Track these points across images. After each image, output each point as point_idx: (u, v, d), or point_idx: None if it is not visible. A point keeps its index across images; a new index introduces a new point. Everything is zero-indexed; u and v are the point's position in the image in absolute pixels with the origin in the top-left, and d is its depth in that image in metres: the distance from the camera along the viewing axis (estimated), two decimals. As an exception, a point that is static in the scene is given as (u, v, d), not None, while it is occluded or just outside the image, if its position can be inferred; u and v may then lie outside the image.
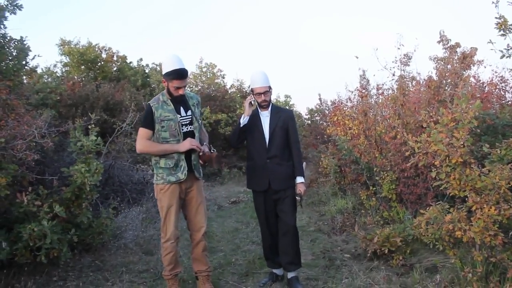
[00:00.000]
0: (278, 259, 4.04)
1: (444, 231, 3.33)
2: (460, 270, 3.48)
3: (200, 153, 3.59)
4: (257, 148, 3.91)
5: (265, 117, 3.94)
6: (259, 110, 3.97)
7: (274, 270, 4.12)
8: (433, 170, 3.44)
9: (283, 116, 3.97)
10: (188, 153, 3.59)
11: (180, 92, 3.54)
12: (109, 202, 5.76)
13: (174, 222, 3.60)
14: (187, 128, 3.62)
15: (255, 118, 3.95)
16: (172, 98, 3.60)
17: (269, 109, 3.97)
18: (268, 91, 3.89)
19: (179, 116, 3.59)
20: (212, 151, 3.68)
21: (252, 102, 3.92)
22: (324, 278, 4.14)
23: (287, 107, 25.43)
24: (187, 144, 3.51)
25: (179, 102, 3.63)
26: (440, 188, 3.49)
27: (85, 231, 4.67)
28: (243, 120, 3.87)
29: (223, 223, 6.90)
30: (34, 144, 4.30)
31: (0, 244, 3.64)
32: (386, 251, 4.32)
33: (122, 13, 35.98)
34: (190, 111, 3.66)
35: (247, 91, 15.36)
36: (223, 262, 4.76)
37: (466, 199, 3.30)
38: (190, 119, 3.65)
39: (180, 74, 3.49)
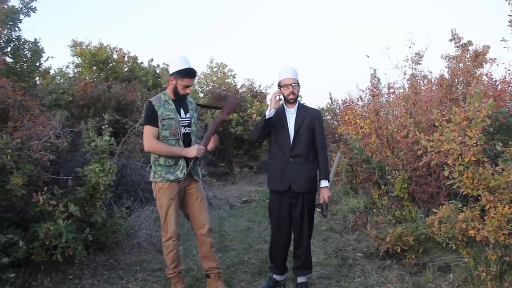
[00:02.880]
0: (282, 264, 3.96)
1: (457, 230, 3.33)
2: (474, 269, 3.47)
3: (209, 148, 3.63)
4: (281, 145, 3.75)
5: (290, 114, 3.79)
6: (285, 107, 3.82)
7: (274, 276, 3.99)
8: (445, 169, 3.42)
9: (310, 115, 3.81)
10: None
11: (187, 91, 3.62)
12: (122, 201, 5.80)
13: (174, 220, 3.61)
14: (185, 130, 3.65)
15: (280, 115, 3.80)
16: (174, 98, 3.64)
17: (296, 106, 3.82)
18: (296, 83, 3.75)
19: (179, 116, 3.63)
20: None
21: (278, 97, 3.75)
22: (336, 277, 4.16)
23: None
24: (194, 151, 3.53)
25: (180, 103, 3.67)
26: (453, 187, 3.48)
27: (99, 230, 4.73)
28: (269, 113, 3.70)
29: (235, 222, 6.93)
30: (49, 144, 4.35)
31: (17, 242, 3.69)
32: (399, 250, 4.32)
33: (134, 14, 36.20)
34: (188, 113, 3.71)
35: (258, 91, 15.34)
36: (236, 261, 4.79)
37: (479, 198, 3.29)
38: (188, 121, 3.69)
39: (191, 73, 3.58)
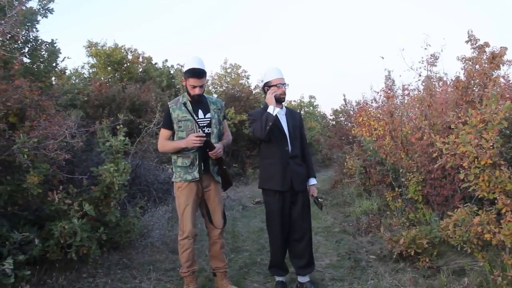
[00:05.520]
0: (284, 263, 3.95)
1: (473, 233, 3.29)
2: (489, 274, 3.42)
3: (209, 151, 3.59)
4: (279, 146, 3.77)
5: (281, 116, 3.83)
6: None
7: (280, 278, 3.96)
8: (461, 172, 3.39)
9: (297, 116, 4.02)
10: (206, 155, 3.62)
11: (196, 91, 3.59)
12: (136, 201, 5.84)
13: (191, 219, 3.65)
14: (204, 130, 3.66)
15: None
16: (192, 100, 3.65)
17: (283, 107, 3.92)
18: (286, 84, 3.86)
19: (197, 117, 3.63)
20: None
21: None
22: (349, 279, 4.13)
23: (311, 108, 25.38)
24: (188, 140, 3.51)
25: (199, 104, 3.69)
26: (468, 190, 3.44)
27: (113, 230, 4.77)
28: (275, 111, 3.64)
29: (248, 223, 6.93)
30: (65, 144, 4.39)
31: (32, 241, 3.74)
32: (412, 253, 4.28)
33: (149, 15, 36.52)
34: (209, 114, 3.71)
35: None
36: (249, 262, 4.79)
37: (496, 201, 3.25)
38: (208, 121, 3.70)
39: (195, 72, 3.55)
